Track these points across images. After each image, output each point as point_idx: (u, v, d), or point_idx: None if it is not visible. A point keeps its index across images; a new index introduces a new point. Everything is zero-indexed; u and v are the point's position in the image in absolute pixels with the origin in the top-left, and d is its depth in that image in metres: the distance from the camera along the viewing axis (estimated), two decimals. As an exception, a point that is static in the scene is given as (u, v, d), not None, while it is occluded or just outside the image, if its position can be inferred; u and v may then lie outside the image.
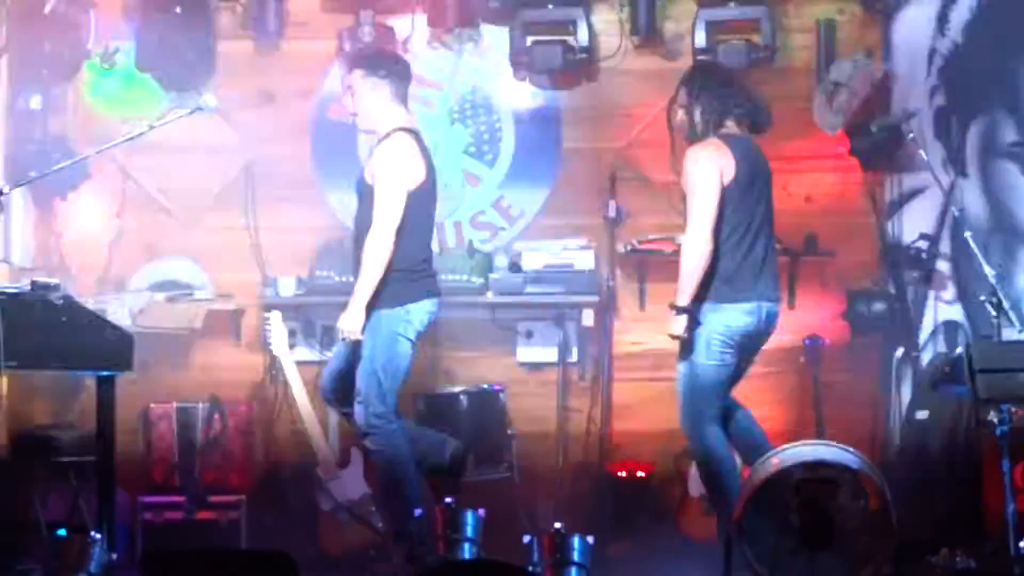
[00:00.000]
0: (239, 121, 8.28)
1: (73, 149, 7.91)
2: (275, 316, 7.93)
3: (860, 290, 8.26)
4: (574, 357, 8.30)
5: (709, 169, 6.46)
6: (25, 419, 7.85)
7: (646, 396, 8.15)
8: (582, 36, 8.22)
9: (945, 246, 8.19)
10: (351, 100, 6.89)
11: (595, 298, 8.19)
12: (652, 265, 8.25)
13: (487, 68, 8.57)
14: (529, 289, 8.14)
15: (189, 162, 8.27)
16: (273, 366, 8.10)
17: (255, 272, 8.33)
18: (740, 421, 6.70)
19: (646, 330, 8.12)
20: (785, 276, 8.09)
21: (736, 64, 7.90)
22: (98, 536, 5.73)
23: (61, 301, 6.00)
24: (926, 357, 8.14)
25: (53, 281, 6.12)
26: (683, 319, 6.45)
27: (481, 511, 6.08)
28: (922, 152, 6.84)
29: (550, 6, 8.24)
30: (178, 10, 8.11)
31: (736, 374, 6.65)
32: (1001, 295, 6.50)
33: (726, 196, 6.45)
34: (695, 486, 7.66)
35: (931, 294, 8.22)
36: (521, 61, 8.32)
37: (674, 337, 6.52)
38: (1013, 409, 5.89)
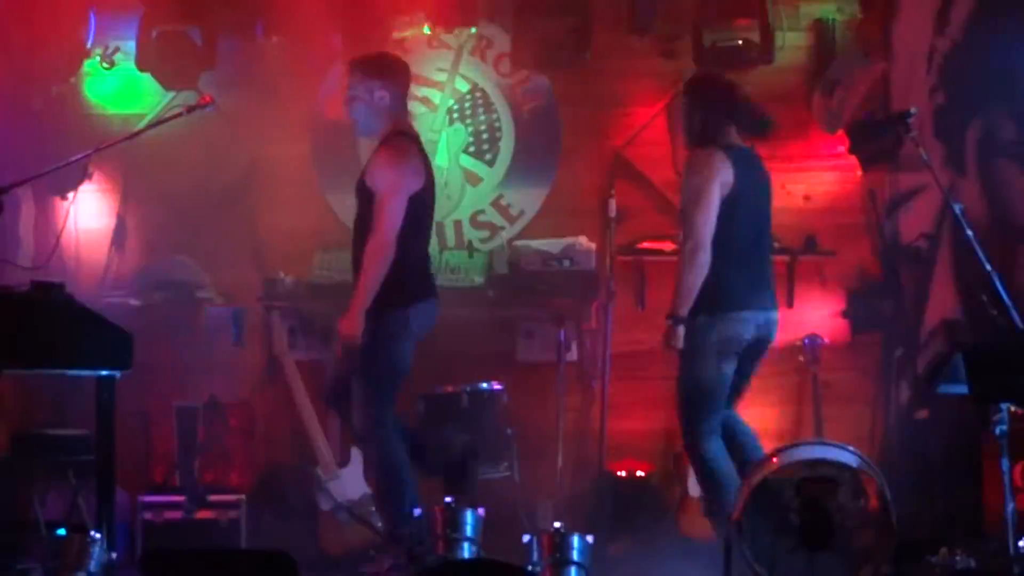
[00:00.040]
0: (240, 121, 8.28)
1: (73, 148, 7.90)
2: (275, 316, 7.93)
3: (859, 289, 8.27)
4: (574, 356, 8.30)
5: (708, 182, 6.41)
6: (25, 419, 7.85)
7: (645, 395, 8.16)
8: (582, 35, 8.21)
9: (944, 244, 8.19)
10: (351, 104, 6.87)
11: (594, 297, 8.20)
12: (651, 264, 8.25)
13: (486, 67, 8.58)
14: (529, 288, 8.14)
15: (189, 161, 8.27)
16: (273, 366, 8.11)
17: (255, 272, 8.33)
18: (743, 440, 6.67)
19: (646, 329, 8.11)
20: (784, 275, 8.11)
21: (735, 63, 7.90)
22: (98, 535, 5.73)
23: (61, 301, 6.00)
24: (925, 356, 8.14)
25: (53, 281, 6.12)
26: (681, 330, 6.44)
27: (481, 510, 6.09)
28: (921, 151, 6.82)
29: (549, 4, 8.23)
30: (177, 9, 8.11)
31: (739, 384, 6.63)
32: (1000, 293, 6.50)
33: (724, 207, 6.42)
34: (694, 486, 7.64)
35: (930, 293, 8.22)
36: (521, 59, 8.32)
37: (671, 348, 6.50)
38: (1012, 408, 5.88)
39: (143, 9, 8.14)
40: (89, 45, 8.26)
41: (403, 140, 6.75)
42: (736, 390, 6.65)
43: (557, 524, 5.93)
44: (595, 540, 5.92)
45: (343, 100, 6.94)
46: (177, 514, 7.58)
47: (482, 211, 8.57)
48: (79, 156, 6.57)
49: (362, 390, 6.64)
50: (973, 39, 8.17)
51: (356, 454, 7.62)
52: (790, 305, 8.14)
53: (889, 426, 8.20)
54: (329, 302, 7.80)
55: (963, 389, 5.99)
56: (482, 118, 8.58)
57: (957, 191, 7.98)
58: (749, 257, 6.54)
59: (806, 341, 8.08)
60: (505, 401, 7.83)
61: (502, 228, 8.55)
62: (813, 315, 8.26)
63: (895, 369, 8.24)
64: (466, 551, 5.98)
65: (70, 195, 8.21)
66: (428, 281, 6.82)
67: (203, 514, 7.58)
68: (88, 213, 8.42)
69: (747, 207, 6.51)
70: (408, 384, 6.88)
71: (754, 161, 6.65)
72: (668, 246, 8.01)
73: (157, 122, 7.01)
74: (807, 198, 8.37)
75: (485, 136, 8.58)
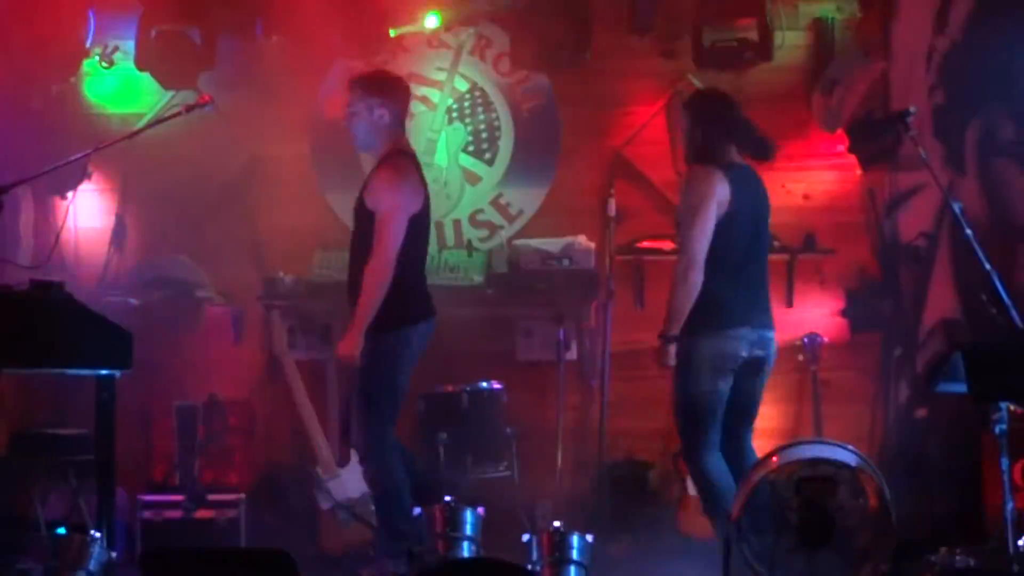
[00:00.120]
0: (239, 120, 8.28)
1: (73, 148, 7.90)
2: (274, 315, 7.94)
3: (859, 288, 8.27)
4: (573, 355, 8.30)
5: (705, 201, 6.36)
6: (25, 418, 7.85)
7: (645, 394, 8.15)
8: (582, 35, 8.21)
9: (944, 244, 8.19)
10: (351, 120, 6.85)
11: (594, 296, 8.20)
12: (651, 264, 8.26)
13: (486, 66, 8.58)
14: (528, 287, 8.14)
15: (188, 161, 8.27)
16: (272, 365, 8.11)
17: (255, 271, 8.34)
18: (747, 461, 6.64)
19: (645, 328, 8.10)
20: (784, 274, 8.11)
21: (735, 63, 7.91)
22: (98, 535, 5.73)
23: (60, 300, 5.99)
24: (924, 355, 8.14)
25: (53, 280, 6.11)
26: (673, 349, 6.42)
27: (480, 509, 6.09)
28: (920, 150, 6.83)
29: (549, 4, 8.23)
30: (177, 9, 8.12)
31: (745, 404, 6.60)
32: (1000, 292, 6.49)
33: (721, 226, 6.38)
34: (694, 485, 7.67)
35: (929, 292, 8.22)
36: (520, 59, 8.32)
37: (664, 367, 6.49)
38: (1012, 407, 5.88)
39: (142, 9, 8.15)
40: (88, 44, 8.27)
41: (402, 160, 6.72)
42: (744, 410, 6.58)
43: (557, 523, 5.93)
44: (595, 539, 5.92)
45: (343, 116, 6.91)
46: (177, 513, 7.58)
47: (481, 210, 8.58)
48: (78, 155, 6.57)
49: (361, 410, 6.64)
50: (972, 38, 8.16)
51: (355, 454, 7.62)
52: (789, 304, 8.16)
53: (888, 425, 8.20)
54: (329, 301, 7.82)
55: (962, 388, 5.99)
56: (481, 117, 8.59)
57: (956, 190, 7.98)
58: (745, 275, 6.50)
59: (805, 340, 8.09)
60: (505, 400, 7.83)
61: (501, 227, 8.55)
62: (812, 314, 8.27)
63: (894, 368, 8.24)
64: (466, 550, 5.98)
65: (69, 194, 8.22)
66: (426, 300, 6.81)
67: (203, 513, 7.58)
68: (87, 212, 8.43)
69: (744, 226, 6.46)
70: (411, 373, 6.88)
71: (752, 179, 6.58)
72: (667, 245, 8.02)
73: (156, 121, 7.00)
74: (807, 197, 8.37)
75: (484, 135, 8.59)
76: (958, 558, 6.02)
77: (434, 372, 7.49)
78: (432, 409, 7.71)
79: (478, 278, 8.28)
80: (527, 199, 8.54)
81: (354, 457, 7.62)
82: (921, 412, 7.85)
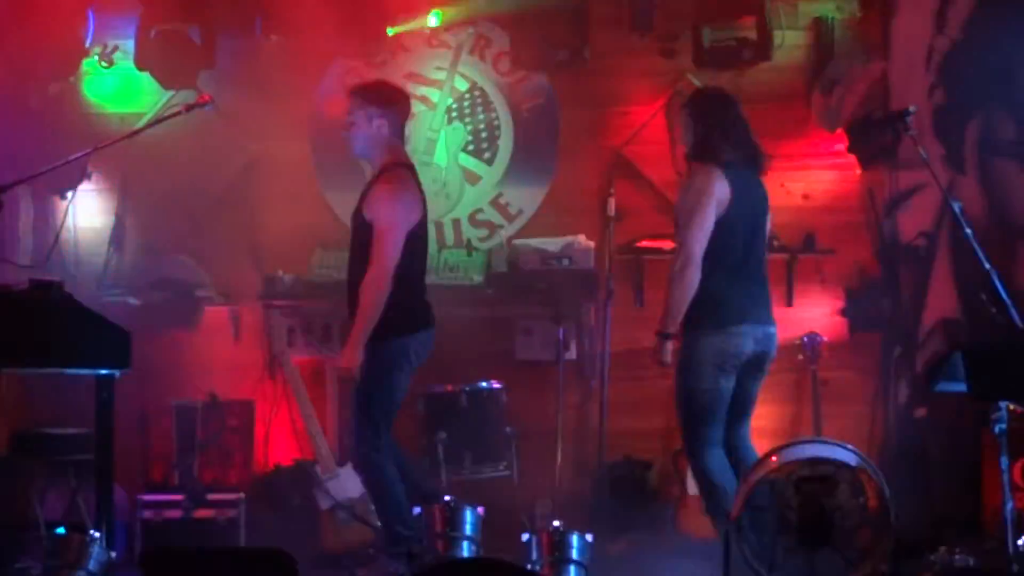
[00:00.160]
0: (238, 119, 8.28)
1: (72, 147, 7.90)
2: (274, 314, 7.93)
3: (858, 288, 8.27)
4: (573, 355, 8.30)
5: (704, 199, 6.37)
6: (24, 418, 7.85)
7: (645, 394, 8.15)
8: (580, 34, 8.21)
9: (943, 243, 8.19)
10: (350, 130, 6.84)
11: (594, 296, 8.20)
12: (650, 263, 8.26)
13: (486, 66, 8.58)
14: (528, 287, 8.14)
15: (188, 160, 8.28)
16: (272, 364, 8.11)
17: (254, 270, 8.34)
18: (746, 456, 6.65)
19: (644, 328, 8.09)
20: (784, 274, 8.11)
21: (735, 62, 7.91)
22: (97, 534, 5.73)
23: (60, 300, 5.99)
24: (924, 355, 8.14)
25: (52, 279, 6.11)
26: (670, 346, 6.43)
27: (480, 509, 6.09)
28: (920, 149, 6.83)
29: (548, 3, 8.23)
30: (176, 8, 8.11)
31: (744, 401, 6.61)
32: (999, 292, 6.49)
33: (721, 224, 6.39)
34: (693, 484, 7.66)
35: (929, 291, 8.22)
36: (520, 59, 8.32)
37: (660, 364, 6.50)
38: (1011, 407, 5.88)
39: (142, 8, 8.15)
40: (88, 44, 8.27)
41: (401, 172, 6.71)
42: (743, 406, 6.59)
43: (556, 523, 5.93)
44: (594, 538, 5.92)
45: (342, 124, 6.90)
46: (176, 513, 7.57)
47: (481, 210, 8.58)
48: (78, 155, 6.57)
49: (358, 417, 6.64)
50: (972, 38, 8.16)
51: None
52: (789, 304, 8.16)
53: (888, 425, 8.20)
54: (328, 300, 7.82)
55: (962, 387, 5.99)
56: (481, 117, 8.58)
57: (956, 190, 7.98)
58: (745, 272, 6.51)
59: (805, 339, 8.08)
60: (504, 400, 7.83)
61: (501, 227, 8.55)
62: (812, 313, 8.27)
63: (894, 367, 8.25)
64: (465, 550, 5.98)
65: (69, 194, 8.22)
66: (425, 310, 6.80)
67: (202, 513, 7.57)
68: (87, 212, 8.43)
69: (743, 224, 6.46)
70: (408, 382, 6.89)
71: (752, 178, 6.60)
72: (667, 245, 7.99)
73: (156, 121, 7.00)
74: (806, 196, 8.37)
75: (484, 135, 8.59)
76: (957, 557, 6.03)
77: (434, 372, 7.48)
78: (432, 408, 7.71)
79: (478, 278, 8.27)
80: (527, 199, 8.54)
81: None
82: (921, 412, 7.85)
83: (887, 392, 8.23)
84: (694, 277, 6.35)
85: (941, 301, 8.18)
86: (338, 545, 7.54)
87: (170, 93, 8.32)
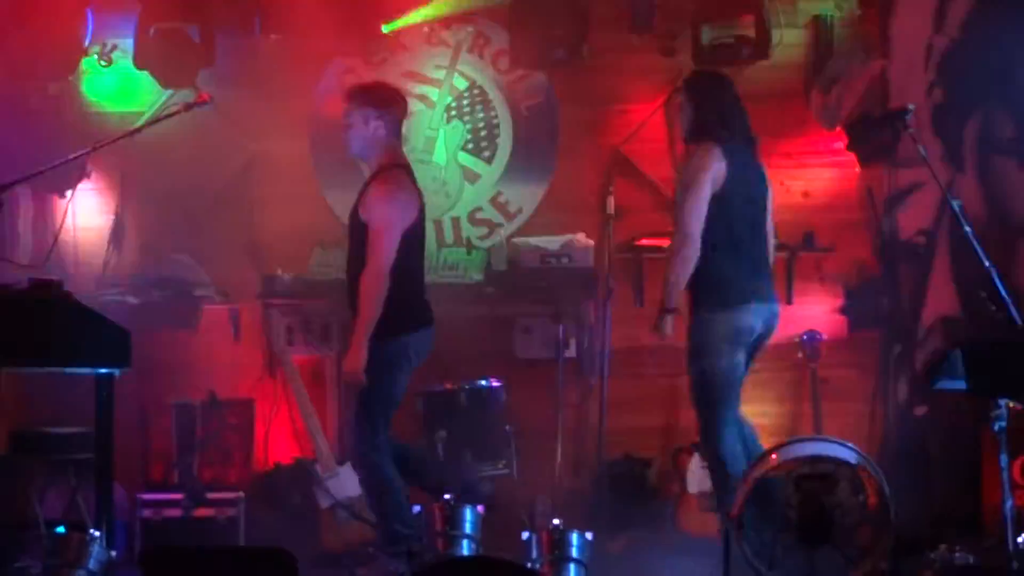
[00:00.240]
0: (238, 118, 8.28)
1: (71, 146, 7.89)
2: (273, 313, 7.93)
3: (858, 285, 8.28)
4: (572, 353, 8.30)
5: (700, 175, 6.44)
6: (24, 417, 7.85)
7: (644, 392, 8.17)
8: (580, 32, 8.21)
9: (943, 241, 8.19)
10: (347, 131, 6.85)
11: (593, 294, 8.20)
12: (650, 261, 8.25)
13: (485, 64, 8.57)
14: (527, 285, 8.14)
15: (188, 159, 8.27)
16: (272, 363, 8.11)
17: (253, 269, 8.33)
18: (748, 437, 6.68)
19: (644, 326, 8.09)
20: (783, 271, 8.12)
21: (734, 60, 7.91)
22: (97, 533, 5.73)
23: (59, 299, 5.99)
24: (924, 352, 8.14)
25: (52, 278, 6.11)
26: (669, 320, 6.46)
27: (480, 507, 6.09)
28: (919, 147, 6.84)
29: (548, 1, 8.22)
30: (175, 6, 8.11)
31: (742, 376, 6.64)
32: (999, 290, 6.50)
33: (722, 201, 6.44)
34: (693, 482, 7.68)
35: (929, 289, 8.22)
36: (519, 57, 8.32)
37: (662, 337, 6.52)
38: (1011, 405, 5.88)
39: (141, 7, 8.14)
40: (87, 43, 8.25)
41: (396, 173, 6.72)
42: (740, 385, 6.66)
43: (556, 521, 5.93)
44: (594, 537, 5.92)
45: (342, 128, 6.91)
46: (176, 512, 7.57)
47: (480, 208, 8.58)
48: (77, 154, 6.57)
49: (357, 415, 6.65)
50: (971, 36, 8.16)
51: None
52: (789, 301, 8.15)
53: (888, 422, 8.21)
54: (328, 299, 7.82)
55: (962, 385, 5.99)
56: (480, 115, 8.58)
57: (955, 187, 7.97)
58: (750, 250, 6.56)
59: (805, 337, 8.09)
60: (504, 398, 7.83)
61: (500, 225, 8.55)
62: (812, 311, 8.27)
63: (894, 365, 8.25)
64: (465, 548, 5.99)
65: (68, 193, 8.22)
66: (424, 309, 6.81)
67: (202, 512, 7.57)
68: (86, 211, 8.42)
69: (743, 201, 6.52)
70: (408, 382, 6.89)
71: (750, 158, 6.66)
72: (667, 243, 7.98)
73: (155, 120, 7.00)
74: (806, 195, 8.38)
75: (483, 133, 8.59)
76: (957, 555, 6.03)
77: (433, 370, 7.49)
78: (431, 407, 7.71)
79: (477, 276, 8.28)
80: (526, 197, 8.54)
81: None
82: (920, 409, 7.85)
83: (887, 390, 8.24)
84: (693, 252, 6.40)
85: (940, 299, 8.17)
86: (338, 544, 7.54)
87: (169, 92, 8.31)
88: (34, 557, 6.48)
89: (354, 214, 6.71)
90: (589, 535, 5.90)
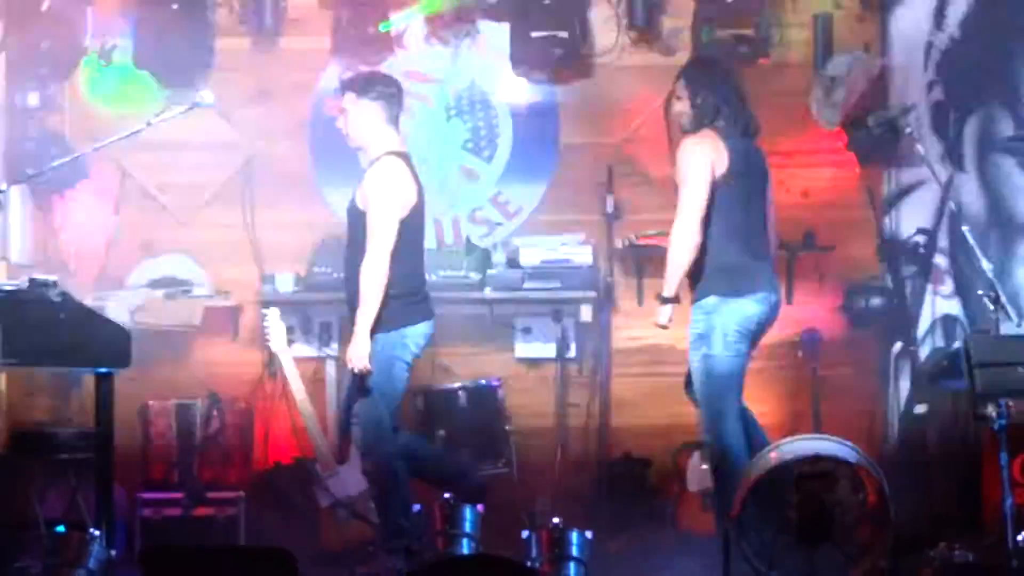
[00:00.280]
0: (237, 118, 8.28)
1: (71, 146, 7.91)
2: (273, 312, 7.92)
3: (858, 284, 8.27)
4: (572, 353, 8.30)
5: (701, 161, 6.48)
6: (24, 416, 7.85)
7: (644, 391, 8.17)
8: (579, 32, 8.21)
9: (943, 240, 8.20)
10: (344, 121, 6.86)
11: (593, 294, 8.19)
12: (650, 261, 8.25)
13: (485, 63, 8.57)
14: (527, 285, 8.14)
15: (187, 159, 8.27)
16: (271, 362, 8.11)
17: (253, 269, 8.34)
18: (749, 424, 6.68)
19: (644, 325, 8.09)
20: (783, 271, 8.11)
21: (733, 59, 7.90)
22: (97, 533, 5.74)
23: (59, 298, 6.00)
24: (924, 351, 8.14)
25: (51, 278, 6.12)
26: (669, 309, 6.48)
27: (480, 506, 6.09)
28: (919, 147, 6.86)
29: (547, 1, 8.21)
30: (175, 6, 8.10)
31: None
32: (999, 289, 6.50)
33: (723, 189, 6.46)
34: (694, 481, 7.67)
35: (929, 288, 8.22)
36: (519, 56, 8.31)
37: (661, 327, 6.54)
38: (1011, 403, 5.88)
39: (140, 6, 8.14)
40: (87, 42, 8.25)
41: (394, 160, 6.74)
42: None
43: (556, 520, 5.93)
44: (594, 536, 5.92)
45: (337, 118, 6.92)
46: (176, 511, 7.57)
47: (480, 208, 8.57)
48: (77, 154, 6.57)
49: (362, 409, 6.65)
50: (971, 35, 8.17)
51: (355, 451, 7.62)
52: (789, 301, 8.13)
53: (888, 421, 8.21)
54: (327, 299, 7.82)
55: (961, 384, 6.00)
56: (480, 114, 8.58)
57: (955, 186, 7.97)
58: (754, 237, 6.59)
59: (805, 336, 8.08)
60: (503, 397, 7.83)
61: (500, 224, 8.54)
62: (812, 310, 8.26)
63: (893, 365, 8.24)
64: (465, 547, 5.99)
65: (68, 193, 8.21)
66: (425, 302, 6.81)
67: (202, 511, 7.58)
68: (86, 211, 8.41)
69: (745, 188, 6.55)
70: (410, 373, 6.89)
71: (751, 146, 6.67)
72: (666, 241, 8.00)
73: (154, 119, 6.99)
74: (806, 194, 8.37)
75: (483, 132, 8.58)
76: (957, 553, 6.03)
77: (433, 369, 7.50)
78: (431, 406, 7.72)
79: (477, 275, 8.27)
80: (526, 196, 8.54)
81: (353, 454, 7.63)
82: (920, 408, 7.84)
83: (886, 389, 8.24)
84: (693, 240, 6.43)
85: (940, 298, 8.18)
86: (338, 543, 7.53)
87: (169, 92, 8.31)
88: (34, 557, 6.46)
89: (353, 205, 6.72)
90: (589, 534, 5.90)
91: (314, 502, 7.65)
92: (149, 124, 6.81)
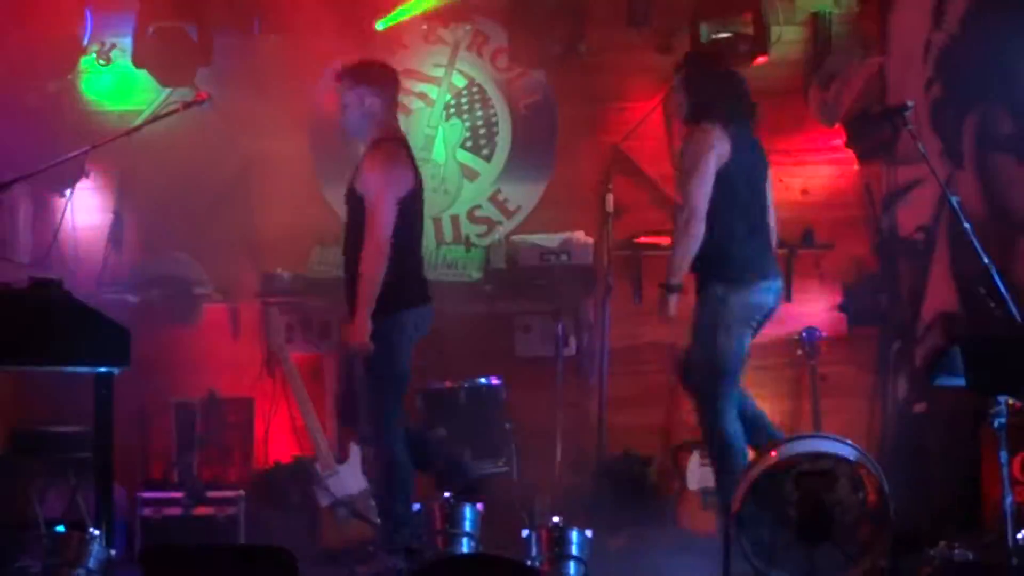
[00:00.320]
0: (236, 117, 8.27)
1: (70, 145, 7.89)
2: (273, 311, 7.93)
3: (857, 282, 8.28)
4: (572, 351, 8.30)
5: (704, 153, 6.49)
6: (23, 416, 7.85)
7: (644, 389, 8.17)
8: (579, 30, 8.21)
9: (942, 237, 8.19)
10: (343, 111, 6.87)
11: (592, 292, 8.20)
12: (649, 259, 8.26)
13: (484, 62, 8.57)
14: (526, 283, 8.14)
15: (186, 158, 8.27)
16: (271, 361, 8.11)
17: (253, 267, 8.33)
18: (760, 422, 6.69)
19: (643, 323, 8.13)
20: (782, 269, 8.11)
21: (732, 57, 7.90)
22: (96, 532, 5.73)
23: (59, 297, 5.99)
24: (923, 349, 8.14)
25: (51, 277, 6.11)
26: (675, 299, 6.49)
27: (479, 505, 6.09)
28: (918, 144, 6.84)
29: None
30: (174, 5, 8.11)
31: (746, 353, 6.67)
32: (998, 286, 6.50)
33: (728, 179, 6.49)
34: (693, 479, 7.68)
35: (928, 286, 8.22)
36: (518, 55, 8.32)
37: (665, 317, 6.55)
38: (1010, 401, 5.88)
39: (139, 6, 8.14)
40: (85, 42, 8.26)
41: (391, 145, 6.75)
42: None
43: (556, 519, 5.93)
44: (594, 534, 5.92)
45: (336, 107, 6.93)
46: (176, 510, 7.57)
47: (479, 206, 8.58)
48: (76, 153, 6.57)
49: (367, 395, 6.66)
50: (969, 33, 8.16)
51: (355, 449, 7.62)
52: (788, 299, 8.14)
53: (887, 419, 8.21)
54: (327, 297, 7.82)
55: (961, 382, 5.99)
56: (479, 113, 8.58)
57: (954, 184, 7.96)
58: (758, 226, 6.61)
59: (804, 334, 8.08)
60: (503, 396, 7.84)
61: (499, 223, 8.55)
62: (811, 308, 8.27)
63: (893, 362, 8.25)
64: (465, 546, 5.99)
65: (67, 192, 8.20)
66: (422, 286, 6.82)
67: (202, 510, 7.57)
68: (85, 210, 8.42)
69: (748, 178, 6.57)
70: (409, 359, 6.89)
71: (750, 135, 6.69)
72: (666, 240, 7.99)
73: (154, 119, 7.01)
74: (804, 192, 8.38)
75: (482, 131, 8.59)
76: (957, 552, 6.03)
77: (432, 368, 7.50)
78: (430, 405, 7.72)
79: (476, 274, 8.27)
80: (525, 195, 8.54)
81: (353, 452, 7.63)
82: (920, 406, 7.84)
83: (886, 387, 8.24)
84: (698, 230, 6.45)
85: (940, 295, 8.17)
86: (338, 542, 7.54)
87: (168, 91, 8.32)
88: (34, 556, 6.47)
89: (350, 190, 6.74)
90: (589, 532, 5.90)
91: (314, 501, 7.67)
92: (148, 123, 6.80)
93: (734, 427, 6.52)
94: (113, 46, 8.35)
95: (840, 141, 8.24)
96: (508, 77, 8.57)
